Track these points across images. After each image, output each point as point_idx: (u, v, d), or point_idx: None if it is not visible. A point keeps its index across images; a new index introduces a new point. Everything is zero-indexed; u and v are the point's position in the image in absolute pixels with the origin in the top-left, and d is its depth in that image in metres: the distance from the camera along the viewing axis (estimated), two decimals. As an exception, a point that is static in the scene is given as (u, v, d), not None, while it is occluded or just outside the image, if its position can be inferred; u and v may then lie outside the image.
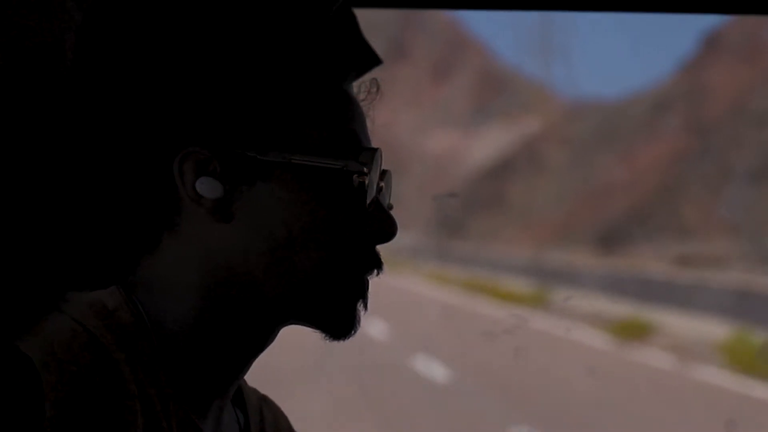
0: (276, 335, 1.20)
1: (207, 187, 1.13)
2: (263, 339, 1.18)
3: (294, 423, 1.36)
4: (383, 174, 1.19)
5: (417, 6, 1.83)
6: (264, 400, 1.33)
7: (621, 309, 14.22)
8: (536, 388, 10.42)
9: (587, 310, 13.74)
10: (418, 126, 45.80)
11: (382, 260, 1.19)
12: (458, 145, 41.72)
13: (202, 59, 1.13)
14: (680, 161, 28.01)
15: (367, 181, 1.14)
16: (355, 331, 1.18)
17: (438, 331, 13.41)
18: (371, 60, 1.23)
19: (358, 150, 1.15)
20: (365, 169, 1.14)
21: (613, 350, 12.08)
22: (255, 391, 1.33)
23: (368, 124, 1.20)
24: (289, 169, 1.13)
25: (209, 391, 1.17)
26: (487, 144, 39.41)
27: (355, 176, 1.14)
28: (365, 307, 1.18)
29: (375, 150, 1.16)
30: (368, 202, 1.15)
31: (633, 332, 12.74)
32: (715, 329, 12.73)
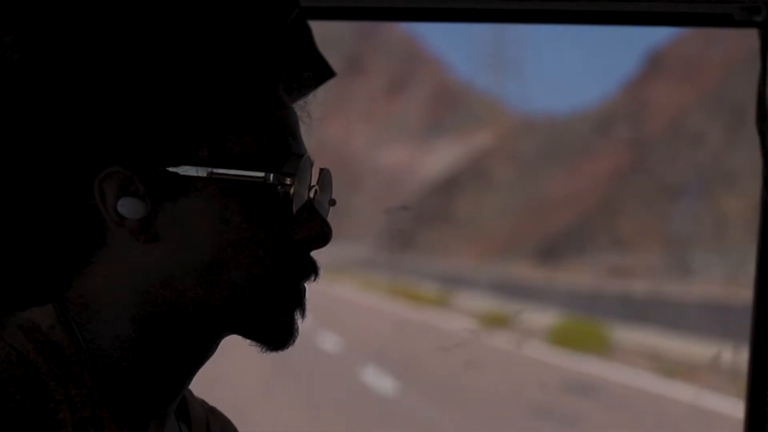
0: (215, 349, 1.17)
1: (128, 209, 1.11)
2: (200, 355, 1.16)
3: None
4: (321, 174, 1.18)
5: (370, 18, 1.86)
6: (212, 412, 1.31)
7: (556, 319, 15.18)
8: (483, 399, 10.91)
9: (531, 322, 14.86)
10: (373, 140, 46.33)
11: (318, 265, 1.17)
12: (412, 160, 42.26)
13: (119, 77, 1.11)
14: (619, 177, 28.78)
15: (292, 191, 1.12)
16: (293, 341, 1.16)
17: (388, 342, 14.38)
18: (325, 72, 1.24)
19: (284, 159, 1.13)
20: (288, 180, 1.12)
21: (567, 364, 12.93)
22: (203, 402, 1.31)
23: (304, 120, 1.19)
24: (212, 183, 1.11)
25: (147, 410, 1.15)
26: (439, 158, 39.99)
27: (279, 187, 1.12)
28: (303, 315, 1.16)
29: (301, 157, 1.14)
30: (296, 210, 1.13)
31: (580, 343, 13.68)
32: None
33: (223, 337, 1.16)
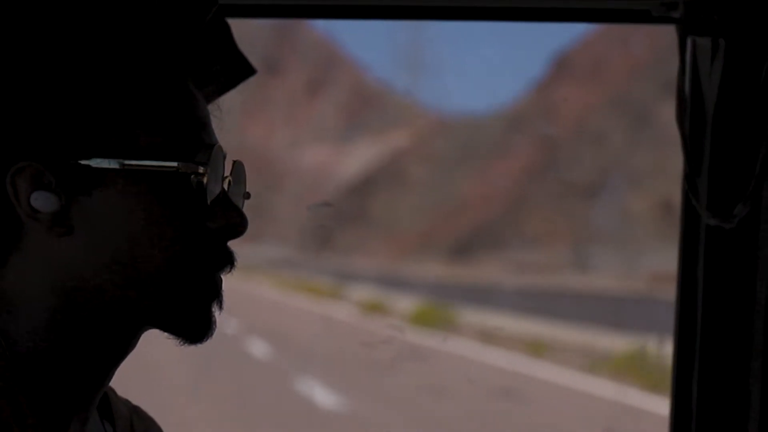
0: (135, 344, 1.16)
1: (42, 202, 1.09)
2: (120, 349, 1.15)
3: None
4: (234, 166, 1.16)
5: (288, 16, 1.84)
6: (135, 411, 1.30)
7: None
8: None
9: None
10: (293, 141, 46.64)
11: (234, 256, 1.15)
12: (330, 160, 42.64)
13: (26, 70, 1.09)
14: (529, 176, 29.44)
15: (205, 180, 1.11)
16: (211, 333, 1.14)
17: (284, 325, 16.69)
18: (245, 69, 1.23)
19: (195, 149, 1.11)
20: (201, 169, 1.10)
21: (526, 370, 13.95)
22: (126, 402, 1.30)
23: (215, 114, 1.17)
24: (124, 175, 1.09)
25: (69, 406, 1.13)
26: (356, 159, 40.42)
27: (192, 176, 1.10)
28: (220, 306, 1.14)
29: (212, 147, 1.12)
30: (210, 200, 1.12)
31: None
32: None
33: (143, 331, 1.15)
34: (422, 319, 16.42)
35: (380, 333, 16.15)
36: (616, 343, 13.61)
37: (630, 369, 12.46)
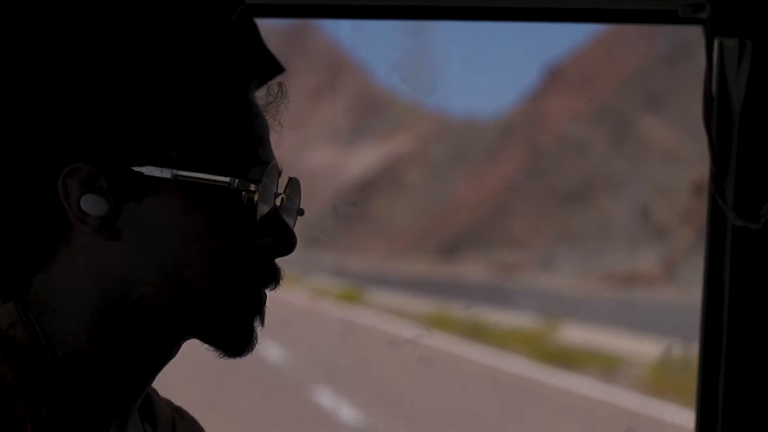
0: (176, 352, 1.16)
1: (92, 205, 1.09)
2: (161, 356, 1.15)
3: None
4: (289, 183, 1.17)
5: (310, 16, 1.84)
6: (177, 411, 1.30)
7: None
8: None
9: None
10: (300, 143, 47.67)
11: (280, 273, 1.15)
12: (336, 162, 43.64)
13: (88, 73, 1.09)
14: (516, 182, 30.53)
15: (256, 198, 1.10)
16: (252, 348, 1.14)
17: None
18: (274, 68, 1.21)
19: (250, 165, 1.11)
20: (253, 187, 1.10)
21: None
22: (168, 402, 1.30)
23: (275, 130, 1.19)
24: (177, 185, 1.09)
25: (107, 409, 1.14)
26: (359, 161, 41.45)
27: (243, 193, 1.10)
28: (262, 322, 1.15)
29: (267, 164, 1.12)
30: (259, 217, 1.11)
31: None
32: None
33: (184, 340, 1.15)
34: (345, 297, 19.51)
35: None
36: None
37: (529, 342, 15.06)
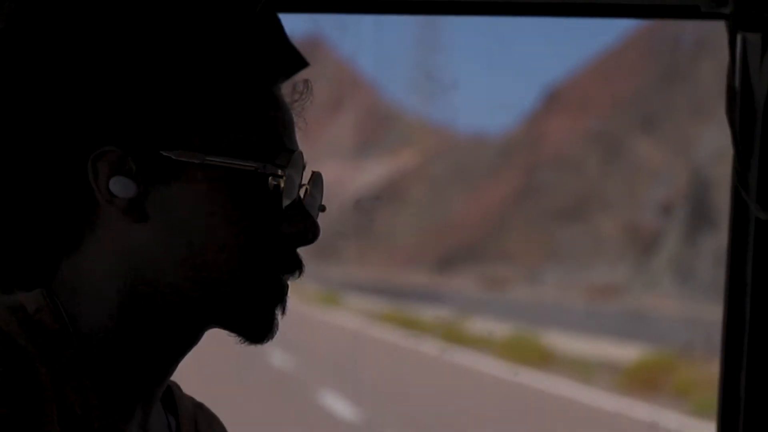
0: (199, 338, 1.17)
1: (120, 187, 1.11)
2: (185, 342, 1.17)
3: None
4: (313, 176, 1.19)
5: (338, 11, 1.86)
6: (200, 407, 1.31)
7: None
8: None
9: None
10: (310, 157, 47.85)
11: (303, 262, 1.17)
12: (342, 178, 44.23)
13: (118, 58, 1.10)
14: (513, 199, 31.13)
15: (282, 184, 1.12)
16: (272, 335, 1.16)
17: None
18: (298, 62, 1.21)
19: (276, 152, 1.13)
20: (280, 172, 1.12)
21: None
22: (191, 398, 1.31)
23: (299, 126, 1.20)
24: (204, 170, 1.11)
25: (133, 395, 1.15)
26: (367, 176, 42.04)
27: (270, 178, 1.12)
28: (283, 311, 1.17)
29: (293, 152, 1.14)
30: (285, 204, 1.13)
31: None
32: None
33: (207, 328, 1.17)
34: (326, 302, 21.92)
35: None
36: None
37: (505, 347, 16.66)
